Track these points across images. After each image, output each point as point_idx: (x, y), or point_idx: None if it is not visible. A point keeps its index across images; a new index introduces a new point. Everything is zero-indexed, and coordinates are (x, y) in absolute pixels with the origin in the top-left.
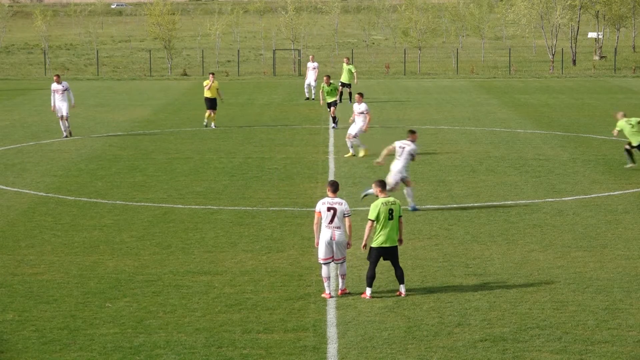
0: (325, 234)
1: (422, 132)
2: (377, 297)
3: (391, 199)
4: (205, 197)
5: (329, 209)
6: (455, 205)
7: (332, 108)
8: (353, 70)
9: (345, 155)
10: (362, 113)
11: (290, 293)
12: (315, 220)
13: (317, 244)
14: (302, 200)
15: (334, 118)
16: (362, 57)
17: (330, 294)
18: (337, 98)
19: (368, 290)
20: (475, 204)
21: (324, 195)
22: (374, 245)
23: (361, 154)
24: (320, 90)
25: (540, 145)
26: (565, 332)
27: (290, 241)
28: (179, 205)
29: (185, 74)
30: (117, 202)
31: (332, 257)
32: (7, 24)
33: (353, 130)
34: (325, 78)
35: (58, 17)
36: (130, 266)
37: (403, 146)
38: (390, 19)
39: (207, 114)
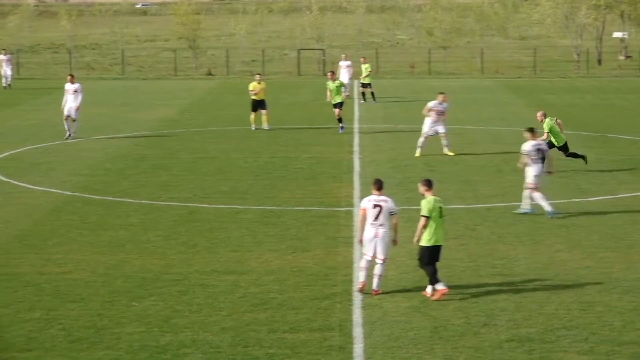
0: (369, 232)
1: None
2: (403, 297)
3: (438, 197)
4: (230, 197)
5: (374, 206)
6: (481, 205)
7: (337, 110)
8: (369, 70)
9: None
10: (442, 113)
11: (316, 293)
12: (360, 217)
13: (361, 241)
14: (327, 200)
15: (340, 120)
16: (387, 56)
17: (365, 282)
18: (343, 98)
19: (440, 285)
20: (501, 204)
21: (348, 195)
22: (428, 244)
23: (451, 153)
24: (328, 89)
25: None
26: (592, 332)
27: (316, 241)
28: (204, 205)
29: (210, 74)
30: (143, 201)
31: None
32: (33, 24)
33: (436, 129)
34: (329, 74)
35: (83, 16)
36: (157, 265)
37: (538, 147)
38: (414, 18)
39: (254, 116)
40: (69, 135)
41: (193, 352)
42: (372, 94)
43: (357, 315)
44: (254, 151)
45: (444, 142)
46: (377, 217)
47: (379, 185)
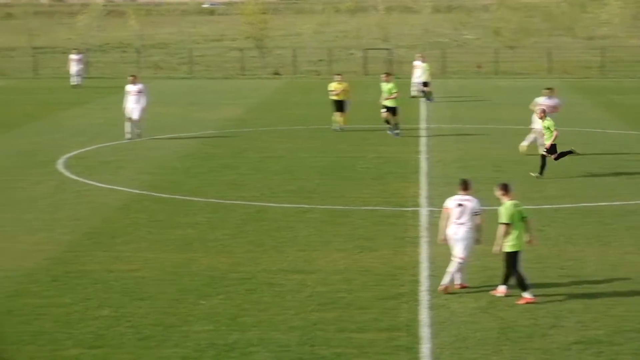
0: (451, 231)
1: (515, 132)
2: (470, 298)
3: (517, 201)
4: (297, 196)
5: (458, 205)
6: (548, 206)
7: (386, 113)
8: (426, 69)
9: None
10: (555, 108)
11: (383, 292)
12: (443, 216)
13: (442, 239)
14: (394, 200)
15: (388, 122)
16: (454, 56)
17: (463, 284)
18: (394, 101)
19: (527, 294)
20: (569, 205)
21: (415, 195)
22: (512, 249)
23: (525, 150)
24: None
25: (634, 146)
26: None
27: (383, 240)
28: (271, 204)
29: (277, 73)
30: (211, 200)
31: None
32: (102, 23)
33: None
34: (384, 76)
35: (151, 16)
36: (224, 264)
37: None
38: (481, 18)
39: (336, 117)
40: (131, 137)
41: (260, 351)
42: (427, 92)
43: (425, 315)
44: (321, 150)
45: (530, 137)
46: (460, 216)
47: (465, 185)
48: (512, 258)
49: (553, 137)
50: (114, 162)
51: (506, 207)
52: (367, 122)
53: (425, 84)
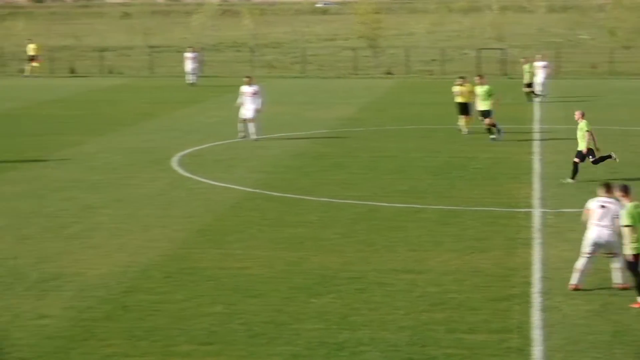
0: (593, 232)
1: (632, 133)
2: (583, 300)
3: (637, 202)
4: (409, 196)
5: (601, 207)
6: None
7: (486, 118)
8: (530, 69)
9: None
10: None
11: (494, 294)
12: (583, 217)
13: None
14: (506, 201)
15: (492, 126)
16: (568, 56)
17: (576, 285)
18: (491, 106)
19: None
20: None
21: (527, 196)
22: (635, 252)
23: None
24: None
25: None
26: None
27: (495, 241)
28: (383, 203)
29: (390, 73)
30: (322, 199)
31: (594, 253)
32: (216, 23)
33: None
34: (477, 78)
35: (265, 15)
36: (335, 263)
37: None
38: (596, 18)
39: (461, 120)
40: (244, 136)
41: (371, 350)
42: (533, 93)
43: (536, 317)
44: (433, 150)
45: None
46: (602, 218)
47: (607, 188)
48: (634, 260)
49: (586, 140)
50: (227, 160)
51: (627, 209)
52: (480, 122)
53: (529, 85)
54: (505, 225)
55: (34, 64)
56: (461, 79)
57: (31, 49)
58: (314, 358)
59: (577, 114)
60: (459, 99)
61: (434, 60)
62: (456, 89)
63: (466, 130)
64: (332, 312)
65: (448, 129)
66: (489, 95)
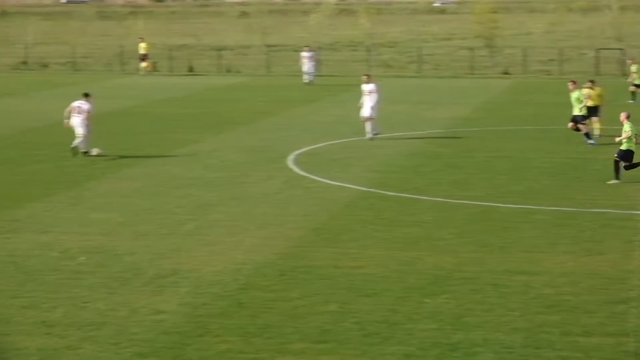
0: None
1: None
2: None
3: None
4: (524, 197)
5: None
6: None
7: (572, 124)
8: (634, 70)
9: None
10: None
11: (610, 296)
12: None
13: None
14: (624, 203)
15: (586, 134)
16: None
17: None
18: (583, 110)
19: None
20: None
21: None
22: None
23: None
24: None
25: None
26: None
27: (612, 244)
28: (498, 204)
29: (507, 73)
30: (437, 199)
31: None
32: (333, 22)
33: None
34: (570, 84)
35: (382, 15)
36: (449, 263)
37: None
38: None
39: (593, 123)
40: (371, 136)
41: (484, 351)
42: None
43: None
44: (550, 151)
45: None
46: None
47: None
48: None
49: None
50: (342, 160)
51: None
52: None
53: (636, 86)
54: (622, 228)
55: (143, 64)
56: (590, 83)
57: (142, 48)
58: (427, 358)
59: (623, 116)
60: (589, 103)
61: (551, 60)
62: (585, 91)
63: (598, 132)
64: (445, 313)
65: (565, 129)
66: (581, 100)
